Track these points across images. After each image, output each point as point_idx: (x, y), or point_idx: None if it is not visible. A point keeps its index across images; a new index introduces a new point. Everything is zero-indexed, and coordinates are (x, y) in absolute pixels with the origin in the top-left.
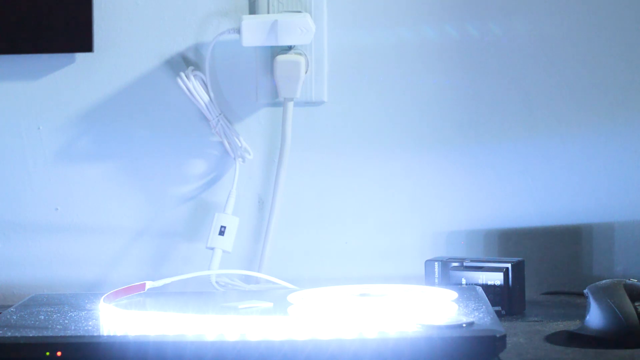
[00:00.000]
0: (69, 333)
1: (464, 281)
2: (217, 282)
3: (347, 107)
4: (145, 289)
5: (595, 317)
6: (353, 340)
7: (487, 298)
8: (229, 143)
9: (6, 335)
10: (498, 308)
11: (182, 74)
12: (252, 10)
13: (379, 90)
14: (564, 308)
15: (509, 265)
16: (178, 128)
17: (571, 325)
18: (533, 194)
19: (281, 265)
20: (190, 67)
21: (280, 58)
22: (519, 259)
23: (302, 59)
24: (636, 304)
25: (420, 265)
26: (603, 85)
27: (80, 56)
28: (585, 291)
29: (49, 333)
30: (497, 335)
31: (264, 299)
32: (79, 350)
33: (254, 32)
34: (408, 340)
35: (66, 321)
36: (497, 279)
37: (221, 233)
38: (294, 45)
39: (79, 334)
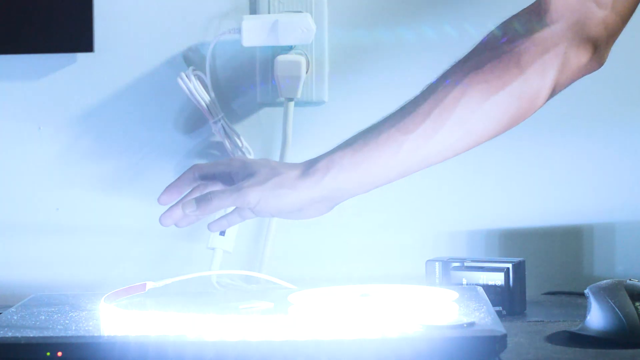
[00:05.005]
0: (69, 333)
1: (464, 281)
2: (217, 283)
3: (348, 107)
4: (146, 289)
5: (596, 317)
6: (354, 340)
7: (487, 298)
8: (229, 143)
9: (7, 336)
10: (499, 308)
11: (183, 74)
12: (253, 10)
13: (380, 90)
14: (564, 308)
15: (509, 266)
16: (178, 128)
17: (572, 326)
18: (534, 194)
19: (281, 265)
20: (191, 67)
21: (281, 58)
22: (520, 259)
23: (302, 59)
24: (637, 304)
25: (421, 265)
26: (603, 84)
27: (81, 56)
28: (586, 291)
29: (50, 333)
30: (498, 335)
31: (264, 299)
32: (80, 351)
33: (255, 32)
34: (409, 341)
35: (67, 321)
36: (497, 279)
37: (222, 233)
38: (295, 45)
39: (79, 334)
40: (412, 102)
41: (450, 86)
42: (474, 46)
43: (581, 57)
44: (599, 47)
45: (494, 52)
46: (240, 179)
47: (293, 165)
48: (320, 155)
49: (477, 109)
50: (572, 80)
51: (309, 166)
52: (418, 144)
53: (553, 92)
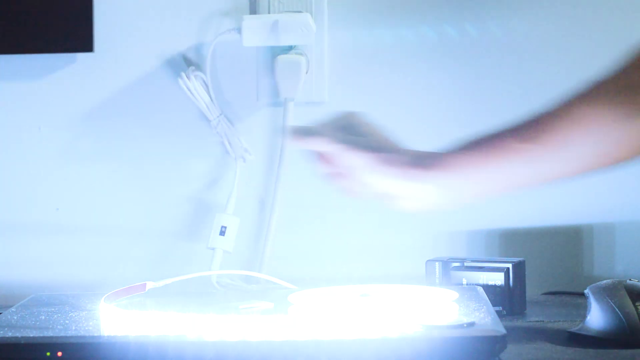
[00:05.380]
0: (69, 333)
1: (464, 281)
2: (217, 283)
3: (348, 107)
4: (146, 289)
5: (595, 317)
6: (354, 340)
7: (487, 298)
8: (229, 143)
9: (7, 336)
10: (499, 308)
11: (183, 74)
12: (253, 10)
13: (380, 90)
14: (564, 308)
15: (509, 265)
16: (179, 128)
17: (572, 326)
18: (534, 194)
19: (281, 265)
20: (191, 67)
21: (281, 58)
22: (520, 259)
23: (302, 59)
24: (637, 304)
25: (421, 265)
26: None
27: (80, 56)
28: (586, 291)
29: (50, 333)
30: (498, 336)
31: (264, 299)
32: (80, 351)
33: (255, 32)
34: (409, 341)
35: (67, 321)
36: (497, 279)
37: (222, 233)
38: (295, 45)
39: (79, 334)
40: (536, 113)
41: (586, 101)
42: (614, 67)
43: None
44: None
45: None
46: (353, 131)
47: (401, 149)
48: (431, 151)
49: (614, 129)
50: None
51: (420, 157)
52: (535, 155)
53: None
